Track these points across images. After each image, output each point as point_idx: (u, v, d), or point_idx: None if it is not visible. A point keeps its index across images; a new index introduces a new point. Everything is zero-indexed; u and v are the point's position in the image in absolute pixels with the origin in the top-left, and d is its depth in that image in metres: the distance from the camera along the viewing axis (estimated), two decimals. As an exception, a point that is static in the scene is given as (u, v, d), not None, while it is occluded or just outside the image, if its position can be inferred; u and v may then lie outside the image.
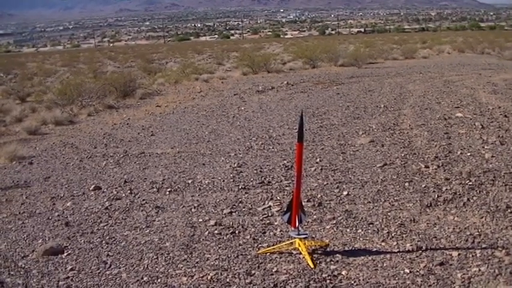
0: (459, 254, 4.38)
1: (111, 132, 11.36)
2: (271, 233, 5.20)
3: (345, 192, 6.20)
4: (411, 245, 4.63)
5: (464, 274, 4.06)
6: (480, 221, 5.09)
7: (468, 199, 5.70)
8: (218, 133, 10.32)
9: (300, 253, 4.59)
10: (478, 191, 5.93)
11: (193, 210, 6.00)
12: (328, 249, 4.71)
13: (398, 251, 4.55)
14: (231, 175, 7.29)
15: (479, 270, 4.10)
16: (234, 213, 5.81)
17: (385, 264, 4.33)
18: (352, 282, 4.08)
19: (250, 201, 6.18)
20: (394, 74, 19.88)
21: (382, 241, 4.79)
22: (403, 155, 7.72)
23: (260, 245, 4.90)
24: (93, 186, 7.19)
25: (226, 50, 47.60)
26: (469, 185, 6.15)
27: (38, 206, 6.56)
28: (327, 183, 6.61)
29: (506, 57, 25.65)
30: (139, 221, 5.78)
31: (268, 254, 4.68)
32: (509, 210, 5.28)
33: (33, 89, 20.89)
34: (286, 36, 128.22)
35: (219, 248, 4.91)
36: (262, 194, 6.40)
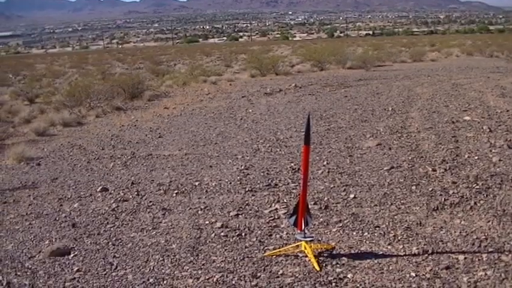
0: (465, 258, 4.37)
1: (118, 133, 11.40)
2: (278, 236, 5.20)
3: (352, 195, 6.19)
4: (417, 249, 4.62)
5: (470, 278, 4.04)
6: (487, 225, 5.07)
7: (475, 203, 5.67)
8: (225, 135, 10.33)
9: (306, 256, 4.59)
10: (485, 195, 5.90)
11: (199, 212, 6.02)
12: (334, 252, 4.71)
13: (405, 255, 4.54)
14: (238, 177, 7.30)
15: (486, 274, 4.08)
16: (240, 216, 5.82)
17: (391, 268, 4.32)
18: (358, 285, 4.08)
19: (257, 203, 6.18)
20: (402, 76, 19.80)
21: (389, 244, 4.78)
22: (410, 158, 7.70)
23: (266, 248, 4.91)
24: (100, 187, 7.23)
25: (234, 52, 47.73)
26: (476, 188, 6.12)
27: (45, 207, 6.60)
28: (334, 186, 6.61)
29: (515, 60, 25.50)
30: (146, 222, 5.81)
31: (274, 256, 4.69)
32: (516, 215, 5.25)
33: (41, 91, 21.01)
34: (294, 39, 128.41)
35: (225, 250, 4.92)
36: (269, 196, 6.41)
